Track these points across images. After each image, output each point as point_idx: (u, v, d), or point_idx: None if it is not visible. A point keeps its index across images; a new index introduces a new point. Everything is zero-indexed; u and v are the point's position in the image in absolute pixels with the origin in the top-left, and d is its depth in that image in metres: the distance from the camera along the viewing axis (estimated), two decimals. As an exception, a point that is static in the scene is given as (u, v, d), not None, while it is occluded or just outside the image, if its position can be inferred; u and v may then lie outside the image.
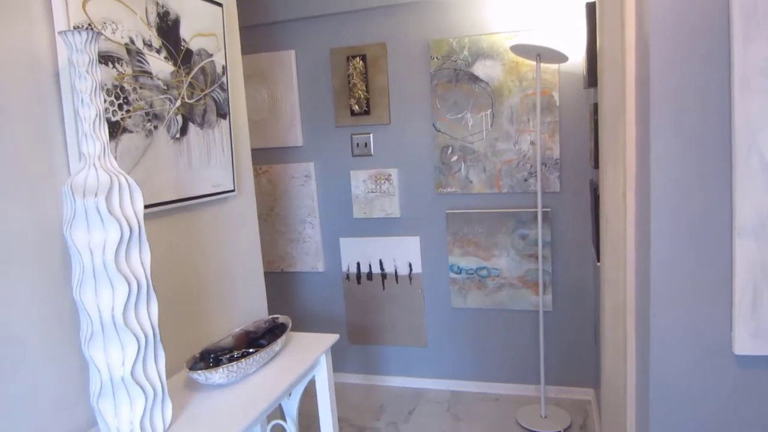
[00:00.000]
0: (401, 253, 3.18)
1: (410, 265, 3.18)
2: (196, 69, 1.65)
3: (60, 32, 1.10)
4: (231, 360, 1.56)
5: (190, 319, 1.67)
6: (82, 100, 1.09)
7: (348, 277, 3.30)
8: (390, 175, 3.12)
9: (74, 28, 1.20)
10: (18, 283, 1.13)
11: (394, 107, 3.08)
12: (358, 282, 3.29)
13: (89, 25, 1.26)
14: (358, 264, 3.27)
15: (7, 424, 1.11)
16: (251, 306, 2.00)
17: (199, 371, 1.41)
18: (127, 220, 1.13)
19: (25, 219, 1.15)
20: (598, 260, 2.10)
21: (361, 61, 3.06)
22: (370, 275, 3.26)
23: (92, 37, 1.09)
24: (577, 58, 2.74)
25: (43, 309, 1.18)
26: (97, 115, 1.10)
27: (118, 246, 1.11)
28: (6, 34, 1.11)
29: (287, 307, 3.47)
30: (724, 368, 1.17)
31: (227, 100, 1.81)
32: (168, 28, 1.54)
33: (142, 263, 1.17)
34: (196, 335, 1.69)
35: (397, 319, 3.26)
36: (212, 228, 1.78)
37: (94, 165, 1.10)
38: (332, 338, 1.75)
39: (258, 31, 3.21)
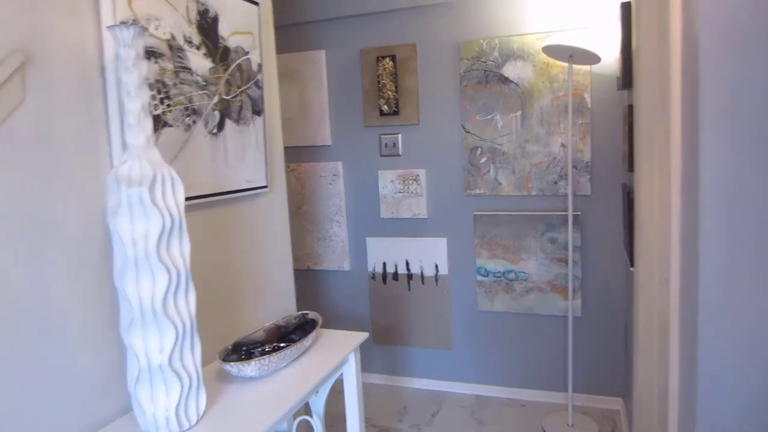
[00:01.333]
0: (428, 254, 3.17)
1: (436, 267, 3.17)
2: (233, 66, 1.67)
3: (109, 27, 1.13)
4: (262, 353, 1.57)
5: (223, 311, 1.69)
6: (128, 93, 1.11)
7: (374, 276, 3.30)
8: (418, 175, 3.11)
9: (121, 23, 1.23)
10: (61, 270, 1.16)
11: (423, 108, 3.08)
12: (384, 282, 3.28)
13: (134, 20, 1.28)
14: (384, 264, 3.27)
15: (46, 408, 1.13)
16: (281, 301, 2.01)
17: (232, 363, 1.42)
18: (169, 211, 1.15)
19: (69, 207, 1.17)
20: (631, 265, 2.06)
21: (390, 62, 3.07)
22: (395, 275, 3.25)
23: (139, 32, 1.11)
24: (610, 59, 2.70)
25: (84, 296, 1.21)
26: (142, 107, 1.12)
27: (160, 236, 1.13)
28: (57, 29, 1.14)
29: (313, 304, 3.48)
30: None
31: (262, 97, 1.83)
32: (207, 25, 1.56)
33: (182, 253, 1.19)
34: (228, 327, 1.71)
35: (422, 320, 3.25)
36: (245, 222, 1.80)
37: (138, 156, 1.12)
38: (361, 336, 1.75)
39: (289, 31, 3.25)
